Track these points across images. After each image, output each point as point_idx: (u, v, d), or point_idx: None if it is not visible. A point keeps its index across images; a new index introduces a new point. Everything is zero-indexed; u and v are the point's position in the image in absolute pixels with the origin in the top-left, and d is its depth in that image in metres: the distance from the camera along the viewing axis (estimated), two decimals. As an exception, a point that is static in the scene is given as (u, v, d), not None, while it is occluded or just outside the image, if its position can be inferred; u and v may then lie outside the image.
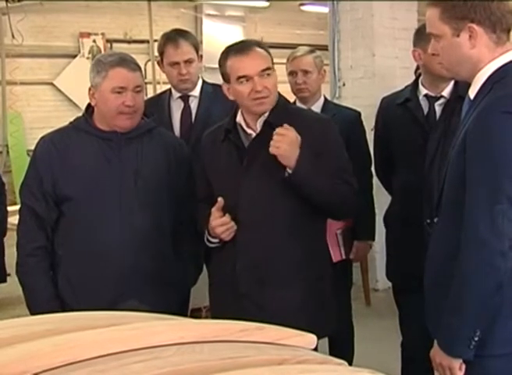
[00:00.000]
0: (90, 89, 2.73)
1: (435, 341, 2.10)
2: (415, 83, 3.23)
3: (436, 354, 2.07)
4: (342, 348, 3.76)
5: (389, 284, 5.77)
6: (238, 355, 1.24)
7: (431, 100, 3.10)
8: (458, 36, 2.02)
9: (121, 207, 2.68)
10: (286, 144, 2.45)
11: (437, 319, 2.09)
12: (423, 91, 3.14)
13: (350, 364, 3.83)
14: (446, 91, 3.05)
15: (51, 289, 2.69)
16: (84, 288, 2.65)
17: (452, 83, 3.02)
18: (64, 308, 2.61)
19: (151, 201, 2.72)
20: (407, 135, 3.20)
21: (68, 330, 1.26)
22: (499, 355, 1.99)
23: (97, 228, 2.66)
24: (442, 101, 3.08)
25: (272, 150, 2.46)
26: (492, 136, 1.91)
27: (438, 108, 3.09)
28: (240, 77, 2.52)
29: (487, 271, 1.91)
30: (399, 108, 3.26)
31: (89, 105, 2.80)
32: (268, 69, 2.53)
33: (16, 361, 1.13)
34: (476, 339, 1.94)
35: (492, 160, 1.91)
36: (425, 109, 3.13)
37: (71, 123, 2.84)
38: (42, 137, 2.81)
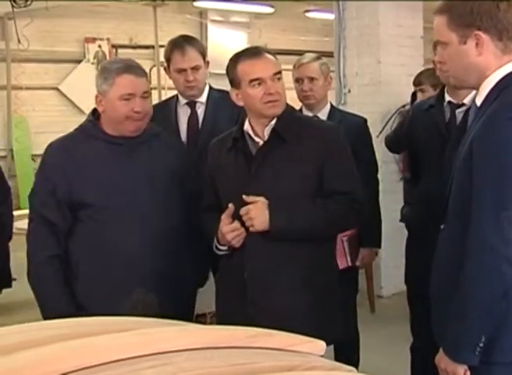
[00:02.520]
0: (97, 96, 2.73)
1: (441, 346, 2.10)
2: (441, 90, 3.24)
3: (441, 359, 2.06)
4: (347, 354, 3.75)
5: (394, 291, 5.81)
6: (248, 361, 1.25)
7: (453, 107, 3.11)
8: (465, 43, 2.03)
9: (139, 210, 2.69)
10: (256, 217, 2.51)
11: (442, 324, 2.09)
12: (447, 98, 3.15)
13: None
14: (468, 99, 3.03)
15: (68, 298, 2.67)
16: (105, 294, 2.64)
17: (474, 91, 3.01)
18: (81, 314, 2.57)
19: (165, 204, 2.75)
20: (428, 141, 3.23)
21: (81, 335, 1.26)
22: (506, 363, 1.99)
23: (116, 233, 2.66)
24: (463, 108, 3.07)
25: (251, 229, 2.53)
26: (498, 143, 1.92)
27: (459, 116, 3.09)
28: (252, 80, 2.55)
29: (493, 277, 1.92)
30: (425, 115, 3.29)
31: (94, 110, 2.80)
32: (279, 72, 2.57)
33: (30, 366, 1.13)
34: (481, 345, 1.94)
35: (498, 167, 1.91)
36: (447, 116, 3.14)
37: (77, 129, 2.83)
38: (50, 144, 2.80)
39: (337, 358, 3.71)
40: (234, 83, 2.62)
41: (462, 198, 2.04)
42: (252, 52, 2.60)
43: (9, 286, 5.47)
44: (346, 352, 3.74)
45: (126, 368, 1.12)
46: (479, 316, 1.95)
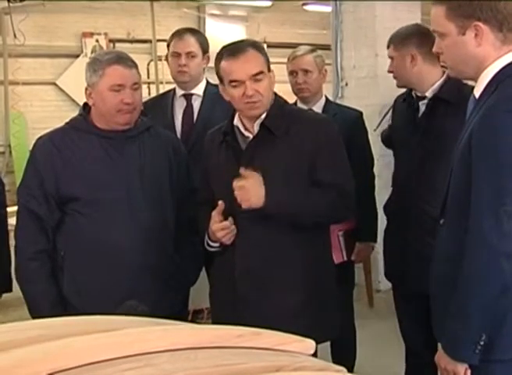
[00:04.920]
0: (86, 89, 2.69)
1: (440, 345, 2.06)
2: None
3: (441, 358, 2.03)
4: (344, 351, 3.73)
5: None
6: (233, 361, 1.21)
7: (417, 99, 3.12)
8: (464, 34, 1.99)
9: (128, 205, 2.66)
10: (252, 193, 2.44)
11: (442, 322, 2.06)
12: (414, 89, 3.17)
13: (353, 367, 3.82)
14: (429, 92, 3.05)
15: (54, 294, 2.65)
16: (92, 288, 2.63)
17: (437, 84, 3.02)
18: (68, 311, 2.56)
19: (156, 199, 2.72)
20: (398, 131, 3.27)
21: (60, 336, 1.23)
22: (507, 360, 1.95)
23: (104, 227, 2.63)
24: (425, 101, 3.08)
25: (244, 206, 2.45)
26: (497, 136, 1.88)
27: (422, 107, 3.10)
28: (231, 81, 2.51)
29: (492, 273, 1.88)
30: (399, 107, 3.32)
31: (85, 105, 2.77)
32: (260, 73, 2.50)
33: (6, 368, 1.10)
34: (482, 343, 1.91)
35: (497, 161, 1.88)
36: (414, 108, 3.15)
37: (67, 123, 2.80)
38: (40, 138, 2.78)
39: (333, 355, 3.70)
40: (219, 78, 2.60)
41: (461, 192, 2.00)
42: (233, 50, 2.53)
43: (10, 290, 5.44)
44: (343, 348, 3.72)
45: (104, 370, 1.09)
46: (479, 313, 1.91)
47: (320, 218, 2.59)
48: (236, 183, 2.44)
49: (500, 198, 1.87)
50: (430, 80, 3.01)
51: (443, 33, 2.05)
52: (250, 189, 2.43)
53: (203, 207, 2.71)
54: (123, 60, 2.66)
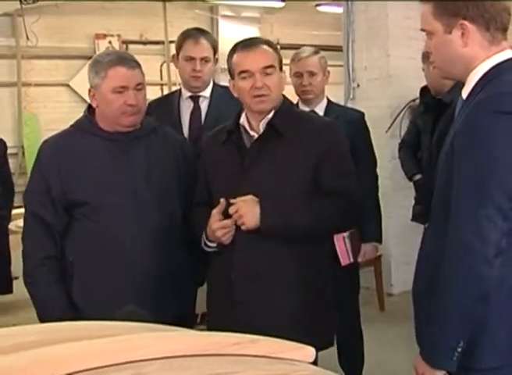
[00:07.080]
0: (89, 90, 2.66)
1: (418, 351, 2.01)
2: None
3: (419, 364, 1.97)
4: (350, 355, 3.68)
5: (404, 289, 5.73)
6: (228, 370, 1.17)
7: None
8: (450, 33, 1.94)
9: (135, 208, 2.62)
10: (246, 214, 2.42)
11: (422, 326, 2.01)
12: None
13: (361, 371, 3.77)
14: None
15: (64, 299, 2.61)
16: (100, 292, 2.59)
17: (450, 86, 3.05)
18: (79, 316, 2.50)
19: (163, 201, 2.68)
20: None
21: (51, 342, 1.19)
22: (488, 369, 1.89)
23: (112, 230, 2.59)
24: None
25: (243, 228, 2.43)
26: (480, 137, 1.82)
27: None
28: (241, 72, 2.49)
29: (470, 278, 1.82)
30: None
31: (90, 106, 2.73)
32: (270, 66, 2.48)
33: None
34: (459, 350, 1.85)
35: (478, 162, 1.81)
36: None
37: (72, 125, 2.77)
38: (45, 141, 2.74)
39: (340, 359, 3.65)
40: (230, 73, 2.58)
41: (444, 194, 1.95)
42: (247, 43, 2.53)
43: (10, 291, 5.46)
44: (350, 353, 3.67)
45: (91, 379, 1.05)
46: (456, 319, 1.85)
47: (327, 231, 2.57)
48: (231, 208, 2.45)
49: (481, 200, 1.80)
50: (446, 81, 3.00)
51: (431, 31, 2.00)
52: (244, 211, 2.42)
53: (198, 208, 2.67)
54: (125, 60, 2.61)
